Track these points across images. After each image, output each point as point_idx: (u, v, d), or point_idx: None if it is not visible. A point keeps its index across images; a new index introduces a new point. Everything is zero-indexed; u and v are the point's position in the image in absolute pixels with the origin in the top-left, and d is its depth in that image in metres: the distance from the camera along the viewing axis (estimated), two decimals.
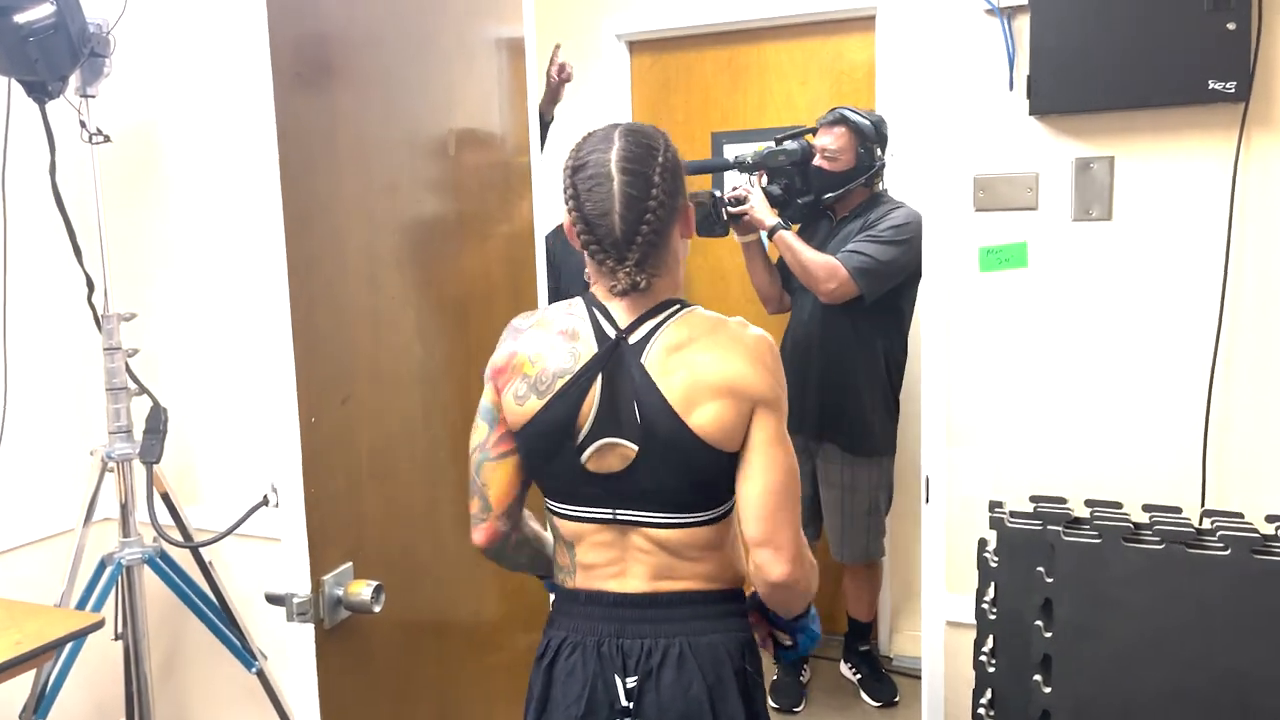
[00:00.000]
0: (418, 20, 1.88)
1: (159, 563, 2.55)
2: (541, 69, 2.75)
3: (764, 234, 3.18)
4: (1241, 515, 1.78)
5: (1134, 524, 1.74)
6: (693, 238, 1.61)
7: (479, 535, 1.64)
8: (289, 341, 1.50)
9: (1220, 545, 1.67)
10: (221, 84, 2.57)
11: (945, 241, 2.10)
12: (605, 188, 1.45)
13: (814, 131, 3.18)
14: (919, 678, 3.45)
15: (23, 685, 2.30)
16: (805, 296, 3.16)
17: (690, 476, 1.48)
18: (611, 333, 1.50)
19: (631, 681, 1.50)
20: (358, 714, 1.67)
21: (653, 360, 1.47)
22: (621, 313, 1.51)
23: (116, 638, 2.54)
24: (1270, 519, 1.79)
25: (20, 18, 2.16)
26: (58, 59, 2.24)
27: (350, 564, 1.62)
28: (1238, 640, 1.65)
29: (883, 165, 3.16)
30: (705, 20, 3.71)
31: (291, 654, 1.56)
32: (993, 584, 1.85)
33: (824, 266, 3.00)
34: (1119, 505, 1.83)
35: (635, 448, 1.47)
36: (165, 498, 2.52)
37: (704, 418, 1.44)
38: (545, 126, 2.85)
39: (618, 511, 1.52)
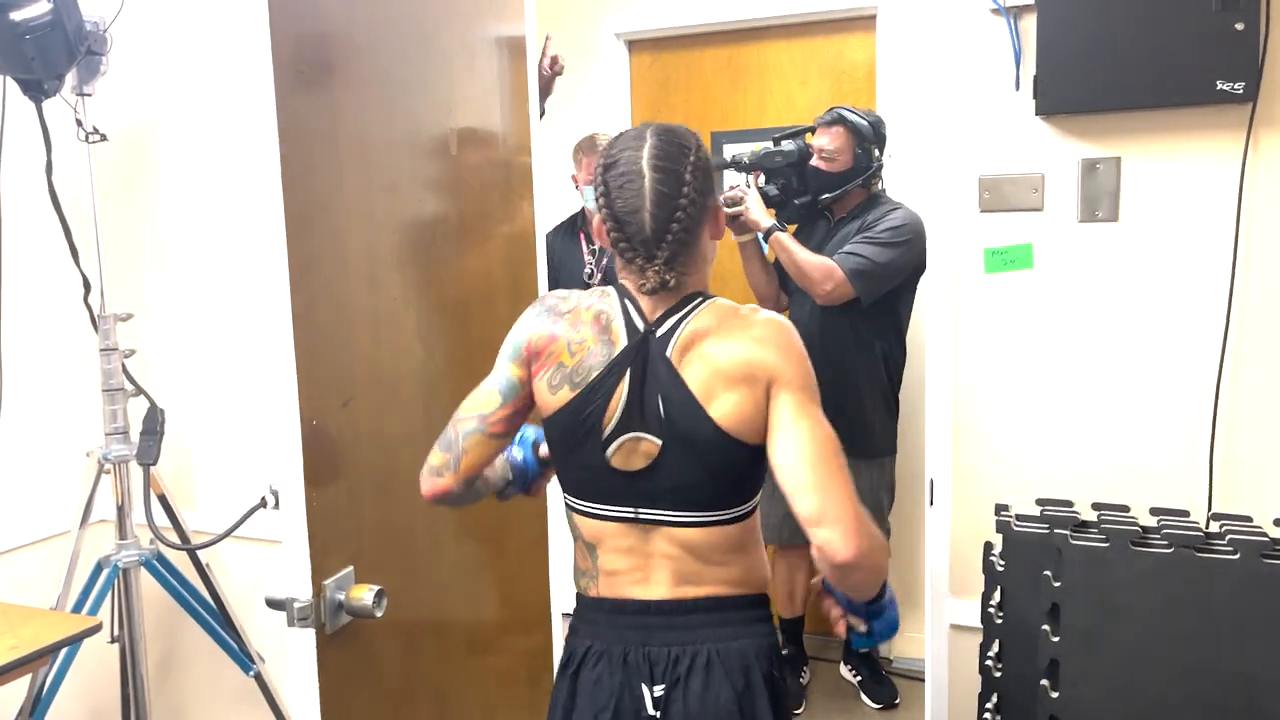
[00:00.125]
0: (419, 19, 1.86)
1: (156, 565, 2.52)
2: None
3: (760, 235, 3.16)
4: (1250, 519, 1.77)
5: (1142, 528, 1.72)
6: (721, 239, 1.60)
7: (429, 488, 1.58)
8: (290, 343, 1.48)
9: (1229, 549, 1.66)
10: (219, 83, 2.55)
11: (950, 243, 2.09)
12: (636, 185, 1.44)
13: (812, 131, 3.17)
14: (919, 680, 3.45)
15: (18, 689, 2.28)
16: (803, 298, 3.14)
17: (712, 471, 1.47)
18: (641, 326, 1.49)
19: (659, 690, 1.48)
20: (359, 719, 1.65)
21: (677, 354, 1.46)
22: (651, 304, 1.50)
23: (113, 640, 2.52)
24: (1279, 522, 1.78)
25: (16, 15, 2.14)
26: (54, 57, 2.21)
27: (351, 568, 1.60)
28: (1247, 644, 1.64)
29: (880, 166, 3.14)
30: (705, 19, 3.70)
31: (291, 658, 1.55)
32: (999, 588, 1.84)
33: (820, 268, 2.98)
34: (1126, 508, 1.82)
35: (659, 443, 1.46)
36: (162, 500, 2.50)
37: (722, 408, 1.43)
38: None
39: (640, 510, 1.50)
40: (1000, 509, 1.89)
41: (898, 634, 3.40)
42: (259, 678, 2.59)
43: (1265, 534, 1.68)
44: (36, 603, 2.41)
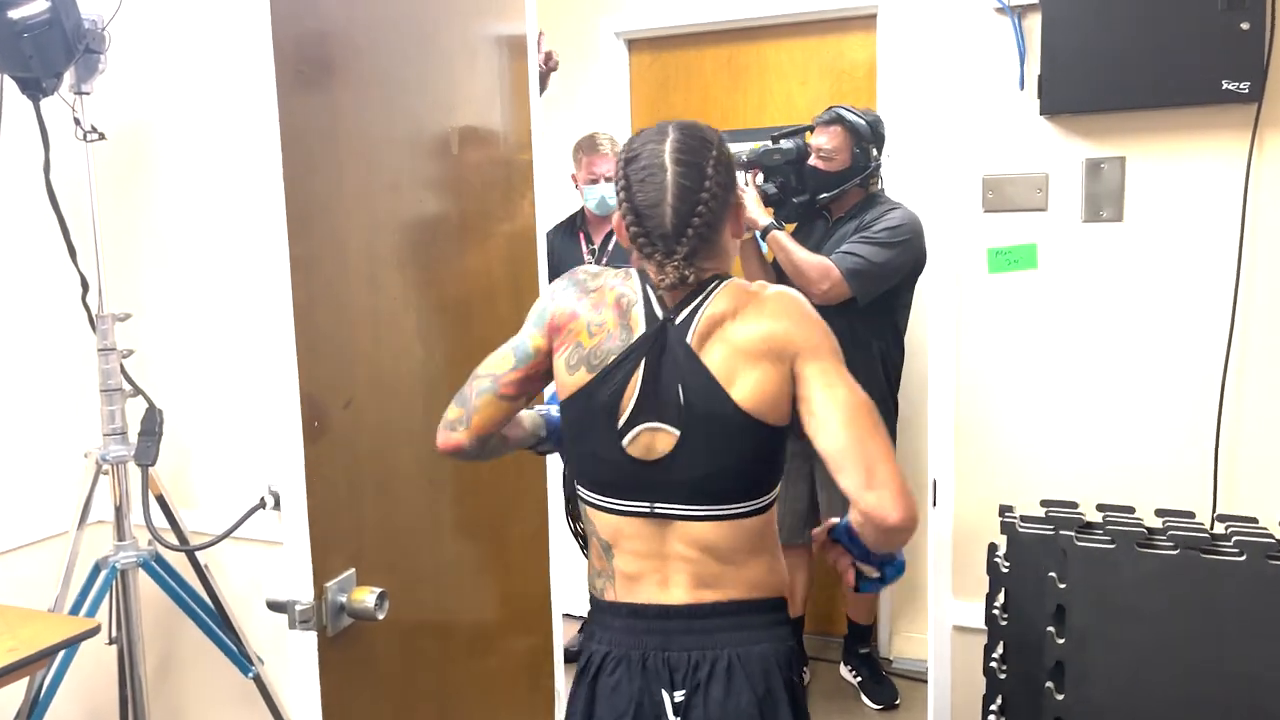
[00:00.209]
0: (419, 18, 1.85)
1: (154, 566, 2.51)
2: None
3: (757, 233, 3.15)
4: (1255, 520, 1.76)
5: (1147, 529, 1.72)
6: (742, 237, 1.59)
7: (443, 442, 1.59)
8: (291, 344, 1.46)
9: (1235, 550, 1.65)
10: (218, 82, 2.53)
11: (953, 243, 2.08)
12: (658, 178, 1.44)
13: (811, 130, 3.16)
14: (920, 680, 3.45)
15: (16, 691, 2.27)
16: None
17: (734, 458, 1.45)
18: (660, 314, 1.48)
19: (679, 696, 1.47)
20: None
21: (696, 337, 1.45)
22: (669, 294, 1.49)
23: (111, 642, 2.51)
24: None
25: (14, 13, 2.12)
26: (52, 55, 2.20)
27: (353, 570, 1.59)
28: (1252, 646, 1.63)
29: (878, 166, 3.13)
30: (705, 19, 3.68)
31: (293, 661, 1.53)
32: (1003, 589, 1.84)
33: (816, 267, 2.97)
34: (1131, 510, 1.81)
35: (676, 433, 1.45)
36: (160, 500, 2.48)
37: (744, 388, 1.42)
38: None
39: (656, 505, 1.48)
40: (1005, 510, 1.88)
41: (897, 634, 3.41)
42: (258, 679, 2.58)
43: (1271, 535, 1.68)
44: (34, 604, 2.39)
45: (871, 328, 3.10)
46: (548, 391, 1.67)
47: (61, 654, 2.28)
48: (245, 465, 2.64)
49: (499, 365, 1.57)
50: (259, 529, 2.29)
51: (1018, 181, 2.02)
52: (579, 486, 1.57)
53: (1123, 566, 1.68)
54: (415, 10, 1.84)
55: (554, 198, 3.13)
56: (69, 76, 2.32)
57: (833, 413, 1.38)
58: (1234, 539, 1.67)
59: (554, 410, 1.71)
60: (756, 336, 1.43)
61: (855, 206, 3.14)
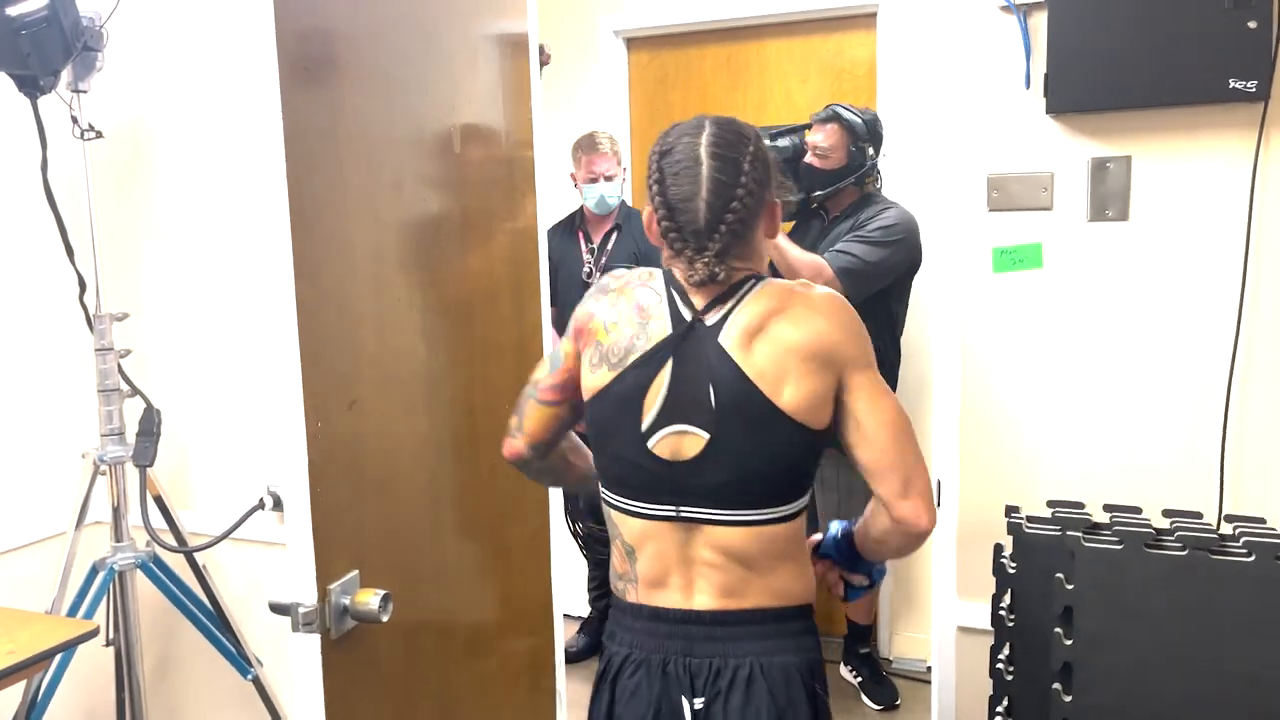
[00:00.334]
0: (421, 15, 1.83)
1: (152, 568, 2.50)
2: None
3: None
4: (1263, 520, 1.76)
5: (1155, 530, 1.71)
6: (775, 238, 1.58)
7: (506, 448, 1.67)
8: (295, 344, 1.45)
9: (1243, 551, 1.64)
10: (216, 80, 2.52)
11: (958, 242, 2.07)
12: (693, 172, 1.42)
13: (808, 128, 3.14)
14: (920, 681, 3.45)
15: (13, 694, 2.25)
16: None
17: (770, 461, 1.43)
18: (688, 314, 1.46)
19: (699, 703, 1.45)
20: None
21: (732, 339, 1.42)
22: (697, 294, 1.47)
23: (108, 644, 2.49)
24: None
25: (12, 10, 2.11)
26: (50, 53, 2.18)
27: (356, 572, 1.57)
28: (1262, 647, 1.62)
29: (874, 165, 3.12)
30: (704, 17, 3.67)
31: (296, 664, 1.52)
32: (1010, 590, 1.83)
33: (810, 266, 2.96)
34: (1138, 510, 1.81)
35: (706, 435, 1.42)
36: (158, 501, 2.47)
37: (793, 393, 1.40)
38: None
39: (682, 508, 1.46)
40: (1011, 511, 1.87)
41: (897, 634, 3.40)
42: (257, 681, 2.56)
43: (1279, 536, 1.67)
44: (32, 605, 2.38)
45: (868, 327, 3.08)
46: None
47: (59, 656, 2.27)
48: (244, 466, 2.63)
49: (539, 372, 1.62)
50: (258, 530, 2.28)
51: (1023, 180, 2.01)
52: (603, 489, 1.55)
53: (1131, 567, 1.67)
54: (416, 8, 1.82)
55: (553, 197, 3.11)
56: (66, 74, 2.31)
57: (880, 428, 1.42)
58: (1242, 539, 1.66)
59: None
60: (808, 338, 1.41)
61: (851, 205, 3.12)
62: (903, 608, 3.68)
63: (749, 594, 1.47)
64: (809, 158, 3.09)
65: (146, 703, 2.56)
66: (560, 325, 3.42)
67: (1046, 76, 1.93)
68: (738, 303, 1.44)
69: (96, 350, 2.42)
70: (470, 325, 1.97)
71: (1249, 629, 1.63)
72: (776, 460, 1.43)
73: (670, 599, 1.49)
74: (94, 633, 2.04)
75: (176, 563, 2.54)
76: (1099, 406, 2.02)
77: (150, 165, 2.62)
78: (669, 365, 1.44)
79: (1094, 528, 1.76)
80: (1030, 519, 1.81)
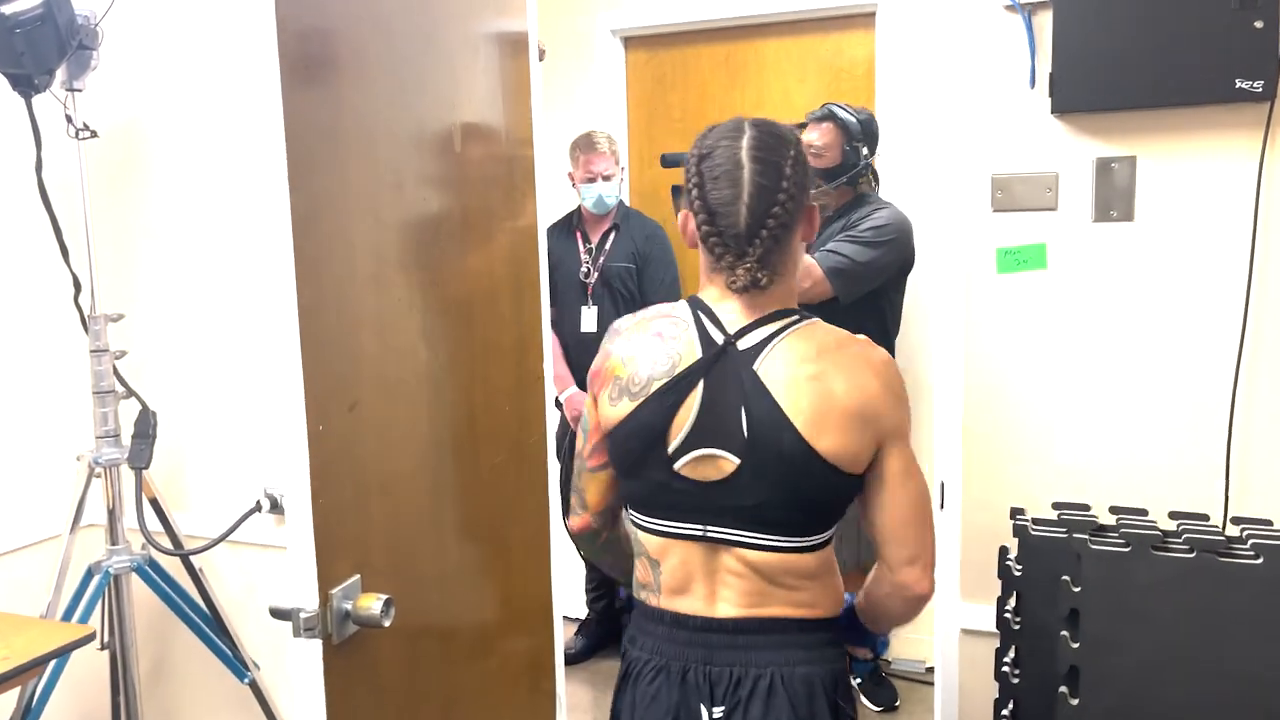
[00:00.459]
0: (421, 14, 1.82)
1: (148, 571, 2.48)
2: None
3: None
4: (1269, 522, 1.75)
5: (1162, 532, 1.70)
6: (811, 240, 1.56)
7: (573, 523, 1.66)
8: (296, 346, 1.43)
9: (1251, 553, 1.64)
10: (212, 79, 2.49)
11: (962, 242, 2.06)
12: (734, 176, 1.40)
13: (804, 126, 3.13)
14: (919, 682, 3.44)
15: (8, 699, 2.23)
16: None
17: (800, 494, 1.41)
18: (719, 338, 1.44)
19: (718, 712, 1.44)
20: None
21: (770, 370, 1.40)
22: (735, 315, 1.45)
23: (103, 647, 2.47)
24: None
25: (7, 9, 2.09)
26: (45, 51, 2.16)
27: (358, 576, 1.56)
28: (1270, 649, 1.62)
29: (868, 164, 3.10)
30: (702, 16, 3.66)
31: (297, 670, 1.50)
32: (1015, 593, 1.82)
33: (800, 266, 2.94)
34: (1144, 512, 1.80)
35: (736, 460, 1.40)
36: (154, 504, 2.45)
37: (833, 442, 1.37)
38: None
39: (709, 529, 1.44)
40: (1016, 513, 1.86)
41: (897, 635, 3.39)
42: (254, 685, 2.54)
43: None
44: (26, 609, 2.36)
45: (858, 328, 3.06)
46: None
47: (54, 661, 2.25)
48: (240, 468, 2.61)
49: (580, 443, 1.62)
50: (255, 532, 2.26)
51: (1027, 181, 2.00)
52: (630, 511, 1.54)
53: (1138, 570, 1.66)
54: (416, 6, 1.81)
55: (550, 197, 3.09)
56: (61, 73, 2.29)
57: (904, 500, 1.43)
58: (1250, 542, 1.65)
59: None
60: (856, 397, 1.39)
61: (844, 205, 3.11)
62: None
63: (772, 603, 1.45)
64: None
65: (142, 707, 2.54)
66: (559, 325, 3.43)
67: (1051, 76, 1.93)
68: (778, 333, 1.43)
69: (91, 352, 2.40)
70: (470, 325, 1.95)
71: (1257, 631, 1.62)
72: (806, 495, 1.41)
73: (692, 605, 1.48)
74: (90, 638, 2.03)
75: (172, 566, 2.52)
76: (1103, 408, 2.01)
77: (146, 165, 2.60)
78: (699, 388, 1.41)
79: (1100, 530, 1.75)
80: (1036, 521, 1.80)
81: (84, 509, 2.44)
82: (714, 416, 1.41)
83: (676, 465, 1.43)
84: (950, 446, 2.11)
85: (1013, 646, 1.82)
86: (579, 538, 1.67)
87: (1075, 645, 1.70)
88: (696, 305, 1.48)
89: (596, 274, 3.50)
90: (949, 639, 2.16)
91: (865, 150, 3.07)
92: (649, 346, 1.46)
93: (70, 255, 2.41)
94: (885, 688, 3.41)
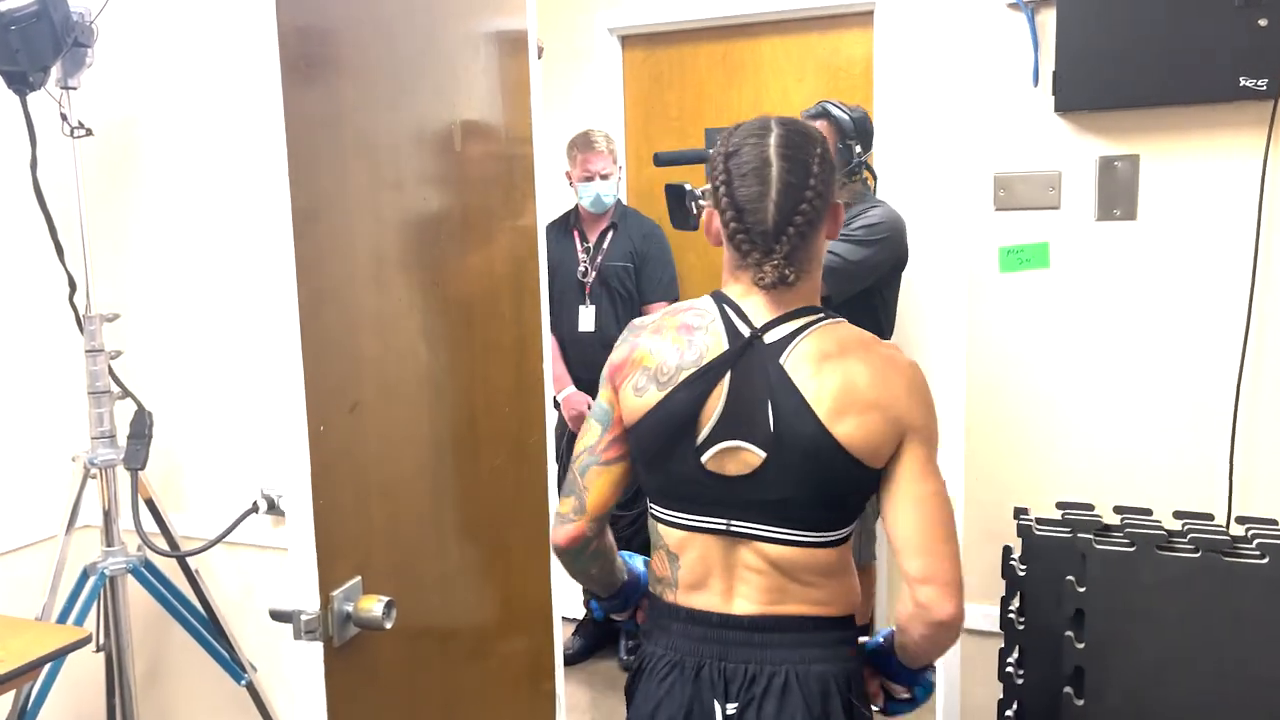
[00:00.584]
0: (421, 12, 1.80)
1: (144, 572, 2.46)
2: None
3: None
4: (1275, 521, 1.74)
5: (1167, 531, 1.69)
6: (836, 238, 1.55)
7: (563, 536, 1.58)
8: (297, 346, 1.41)
9: (1256, 553, 1.63)
10: (208, 77, 2.48)
11: (964, 241, 2.05)
12: (762, 173, 1.39)
13: None
14: None
15: (3, 702, 2.21)
16: None
17: (823, 488, 1.41)
18: (745, 330, 1.43)
19: (731, 709, 1.43)
20: None
21: (795, 363, 1.40)
22: (760, 310, 1.44)
23: (99, 649, 2.45)
24: None
25: (1, 6, 2.07)
26: (40, 49, 2.14)
27: (359, 578, 1.54)
28: (1275, 649, 1.61)
29: (862, 162, 3.09)
30: (699, 14, 3.65)
31: (296, 672, 1.49)
32: (1019, 593, 1.81)
33: None
34: (1149, 512, 1.79)
35: (762, 454, 1.40)
36: (150, 505, 2.43)
37: (852, 428, 1.37)
38: None
39: (732, 523, 1.44)
40: (1020, 513, 1.86)
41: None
42: (250, 687, 2.53)
43: None
44: (22, 610, 2.35)
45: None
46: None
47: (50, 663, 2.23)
48: (236, 469, 2.59)
49: (589, 437, 1.56)
50: (252, 533, 2.24)
51: (1030, 179, 1.99)
52: (651, 504, 1.53)
53: (1142, 570, 1.65)
54: (416, 5, 1.79)
55: (548, 195, 3.08)
56: (56, 71, 2.27)
57: (920, 507, 1.39)
58: (1255, 541, 1.64)
59: (637, 561, 1.72)
60: (878, 390, 1.38)
61: None
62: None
63: (789, 600, 1.45)
64: None
65: (138, 709, 2.53)
66: (556, 325, 3.41)
67: (1055, 74, 1.92)
68: (804, 329, 1.42)
69: (87, 351, 2.38)
70: (471, 326, 1.94)
71: (1262, 632, 1.61)
72: (828, 488, 1.41)
73: (709, 601, 1.47)
74: (85, 640, 2.01)
75: (169, 567, 2.51)
76: (1107, 407, 2.00)
77: (141, 163, 2.58)
78: (726, 379, 1.41)
79: (1104, 530, 1.74)
80: (1040, 521, 1.79)
81: (79, 510, 2.42)
82: (741, 408, 1.40)
83: (704, 458, 1.42)
84: (952, 446, 2.10)
85: (1017, 647, 1.81)
86: (568, 551, 1.59)
87: (1080, 645, 1.69)
88: (721, 300, 1.47)
89: (594, 273, 3.49)
90: None
91: (859, 148, 3.06)
92: (676, 337, 1.46)
93: (65, 254, 2.39)
94: None
